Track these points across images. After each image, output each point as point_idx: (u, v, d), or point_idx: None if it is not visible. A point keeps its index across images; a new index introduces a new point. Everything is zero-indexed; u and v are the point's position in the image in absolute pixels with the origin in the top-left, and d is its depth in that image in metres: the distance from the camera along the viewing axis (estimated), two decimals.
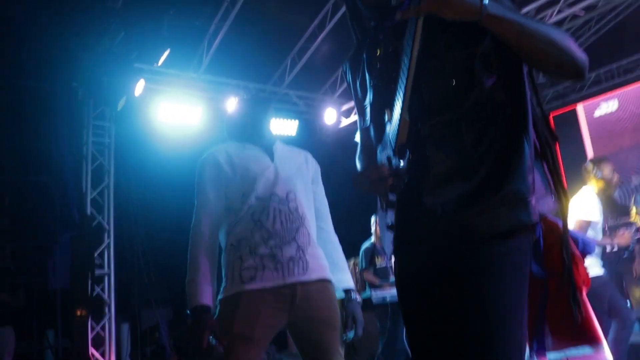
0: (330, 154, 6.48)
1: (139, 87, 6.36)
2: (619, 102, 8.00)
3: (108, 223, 6.79)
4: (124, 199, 6.79)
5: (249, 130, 2.48)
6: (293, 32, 6.96)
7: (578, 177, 7.84)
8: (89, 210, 6.66)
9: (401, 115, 1.43)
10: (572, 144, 8.22)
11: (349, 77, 1.79)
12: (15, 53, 6.14)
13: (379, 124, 1.58)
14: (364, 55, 1.69)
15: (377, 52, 1.63)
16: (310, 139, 7.21)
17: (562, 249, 1.50)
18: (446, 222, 1.43)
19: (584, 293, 3.60)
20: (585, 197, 4.40)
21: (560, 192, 1.47)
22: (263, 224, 2.27)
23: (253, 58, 6.90)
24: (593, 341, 3.46)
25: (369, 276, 5.92)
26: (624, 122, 7.90)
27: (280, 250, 2.26)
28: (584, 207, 4.33)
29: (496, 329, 1.36)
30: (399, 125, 1.44)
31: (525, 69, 1.48)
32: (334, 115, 7.84)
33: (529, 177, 1.42)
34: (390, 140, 1.50)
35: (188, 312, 2.21)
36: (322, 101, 7.76)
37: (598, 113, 8.22)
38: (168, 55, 6.27)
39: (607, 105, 8.13)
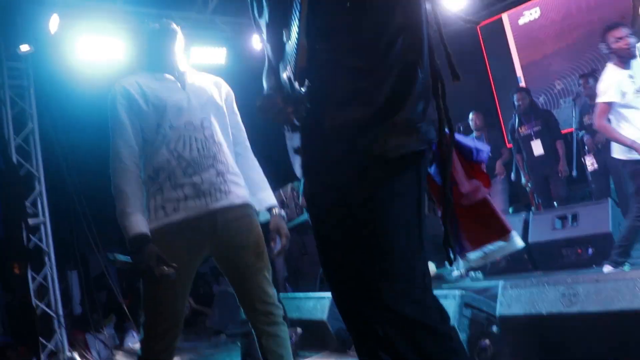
0: (262, 80, 6.27)
1: (53, 22, 5.94)
2: (540, 10, 8.18)
3: (37, 170, 6.46)
4: (51, 144, 6.45)
5: (156, 59, 2.40)
6: None
7: (506, 85, 8.09)
8: (14, 157, 6.30)
9: (299, 39, 1.38)
10: (499, 53, 8.42)
11: None
12: None
13: (278, 42, 1.54)
14: None
15: None
16: (240, 66, 6.99)
17: (445, 167, 1.62)
18: (342, 148, 1.45)
19: (486, 193, 3.82)
20: (605, 76, 4.09)
21: (441, 122, 1.52)
22: (180, 153, 2.24)
23: None
24: (503, 233, 3.74)
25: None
26: (546, 29, 8.11)
27: (200, 178, 2.24)
28: (600, 89, 4.08)
29: (381, 251, 1.42)
30: (297, 49, 1.39)
31: None
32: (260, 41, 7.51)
33: (420, 105, 1.44)
34: (290, 62, 1.46)
35: (128, 246, 2.14)
36: (250, 26, 7.44)
37: (522, 21, 8.38)
38: None
39: (530, 14, 8.30)
